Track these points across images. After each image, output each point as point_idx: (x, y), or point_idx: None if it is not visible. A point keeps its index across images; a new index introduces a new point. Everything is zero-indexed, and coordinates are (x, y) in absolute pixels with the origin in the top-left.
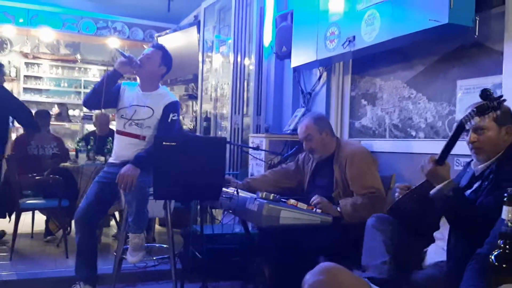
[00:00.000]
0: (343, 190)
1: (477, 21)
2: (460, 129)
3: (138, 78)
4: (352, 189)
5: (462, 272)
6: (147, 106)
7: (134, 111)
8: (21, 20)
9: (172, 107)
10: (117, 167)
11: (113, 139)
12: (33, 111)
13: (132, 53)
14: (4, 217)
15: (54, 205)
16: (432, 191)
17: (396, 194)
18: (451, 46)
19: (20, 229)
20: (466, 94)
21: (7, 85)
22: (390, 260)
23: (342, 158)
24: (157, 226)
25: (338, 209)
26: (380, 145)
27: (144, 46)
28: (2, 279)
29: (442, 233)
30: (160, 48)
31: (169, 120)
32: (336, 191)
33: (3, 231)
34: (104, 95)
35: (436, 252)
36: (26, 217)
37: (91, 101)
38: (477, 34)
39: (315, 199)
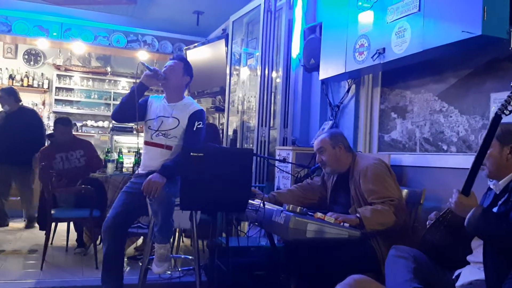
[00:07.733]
0: (359, 206)
1: None
2: (497, 121)
3: (164, 90)
4: (370, 202)
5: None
6: (172, 117)
7: (160, 122)
8: (54, 34)
9: (198, 116)
10: (144, 177)
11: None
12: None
13: (161, 65)
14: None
15: (85, 215)
16: (465, 223)
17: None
18: (484, 58)
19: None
20: None
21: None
22: (414, 278)
23: (356, 174)
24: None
25: (357, 215)
26: (410, 159)
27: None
28: (33, 287)
29: (476, 255)
30: (181, 59)
31: (195, 129)
32: (352, 207)
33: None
34: (137, 109)
35: (472, 271)
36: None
37: (119, 115)
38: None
39: (330, 216)
